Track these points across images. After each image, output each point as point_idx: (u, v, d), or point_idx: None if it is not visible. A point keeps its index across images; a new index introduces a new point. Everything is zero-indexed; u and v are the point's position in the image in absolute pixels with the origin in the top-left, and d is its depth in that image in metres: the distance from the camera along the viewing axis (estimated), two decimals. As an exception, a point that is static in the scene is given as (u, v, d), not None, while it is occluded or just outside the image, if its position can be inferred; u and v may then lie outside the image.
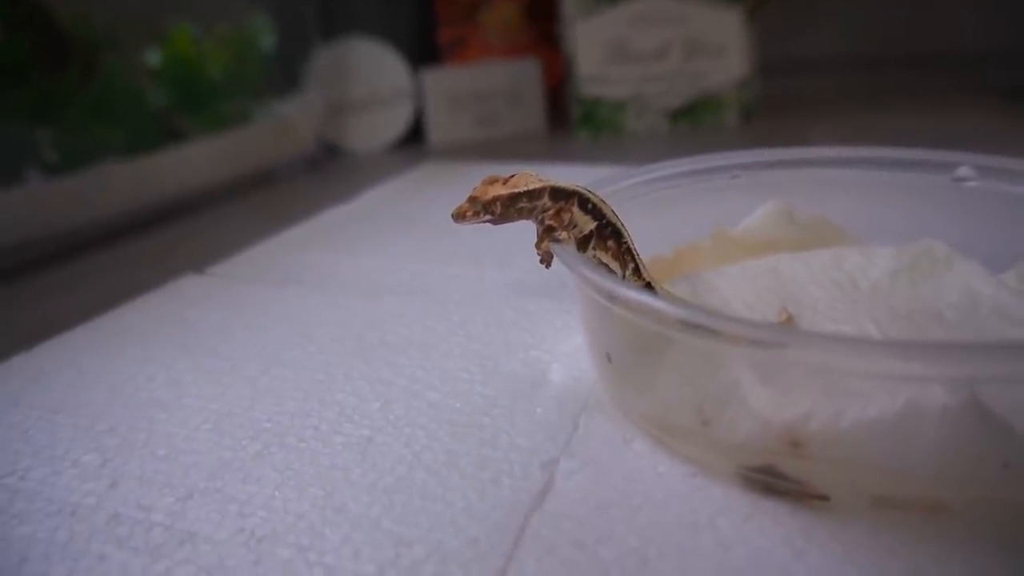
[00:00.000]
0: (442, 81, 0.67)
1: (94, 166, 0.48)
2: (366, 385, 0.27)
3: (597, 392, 0.25)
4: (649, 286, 0.25)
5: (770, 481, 0.20)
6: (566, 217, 0.24)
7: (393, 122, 0.68)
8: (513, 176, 0.24)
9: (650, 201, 0.30)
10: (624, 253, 0.25)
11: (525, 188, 0.23)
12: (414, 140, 0.69)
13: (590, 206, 0.24)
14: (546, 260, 0.25)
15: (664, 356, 0.22)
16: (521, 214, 0.24)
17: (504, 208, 0.23)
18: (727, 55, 0.65)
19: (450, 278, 0.36)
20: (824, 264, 0.30)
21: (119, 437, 0.25)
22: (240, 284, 0.37)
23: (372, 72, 0.67)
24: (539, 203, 0.24)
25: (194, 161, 0.54)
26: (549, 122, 0.72)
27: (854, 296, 0.28)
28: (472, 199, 0.24)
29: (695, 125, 0.67)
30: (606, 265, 0.24)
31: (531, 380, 0.26)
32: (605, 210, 0.24)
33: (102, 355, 0.30)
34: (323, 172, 0.64)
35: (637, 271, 0.25)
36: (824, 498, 0.20)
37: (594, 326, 0.25)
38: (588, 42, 0.66)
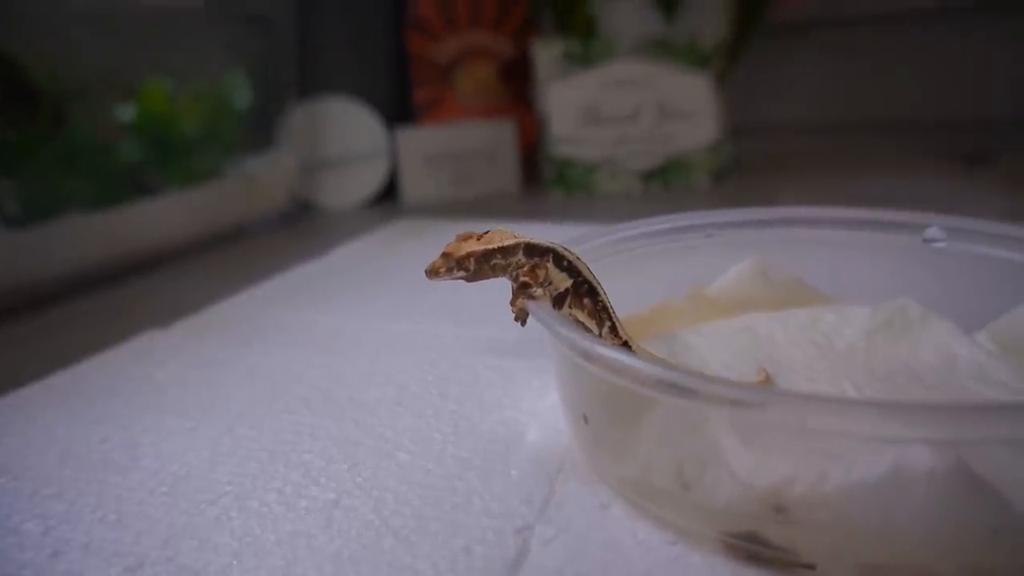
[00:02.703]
0: (417, 140, 0.68)
1: (58, 219, 0.47)
2: (334, 446, 0.26)
3: (573, 454, 0.25)
4: (626, 345, 0.24)
5: (754, 548, 0.19)
6: (541, 274, 0.23)
7: (367, 180, 0.68)
8: (487, 232, 0.24)
9: (625, 259, 0.30)
10: (600, 311, 0.24)
11: (499, 244, 0.23)
12: (388, 199, 0.69)
13: (565, 263, 0.24)
14: (521, 318, 0.24)
15: (642, 417, 0.21)
16: (495, 271, 0.23)
17: (478, 264, 0.23)
18: (698, 119, 0.67)
19: (424, 336, 0.35)
20: (800, 324, 0.30)
21: (66, 502, 0.23)
22: (206, 341, 0.36)
23: (347, 130, 0.67)
24: (513, 260, 0.23)
25: (163, 215, 0.53)
26: (523, 182, 0.72)
27: (831, 356, 0.28)
28: (445, 255, 0.23)
29: (667, 186, 0.68)
30: (582, 323, 0.24)
31: (506, 441, 0.26)
32: (581, 267, 0.24)
33: (55, 414, 0.29)
34: (295, 229, 0.64)
35: (614, 329, 0.24)
36: (810, 567, 0.19)
37: (569, 386, 0.24)
38: (561, 104, 0.67)
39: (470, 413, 0.28)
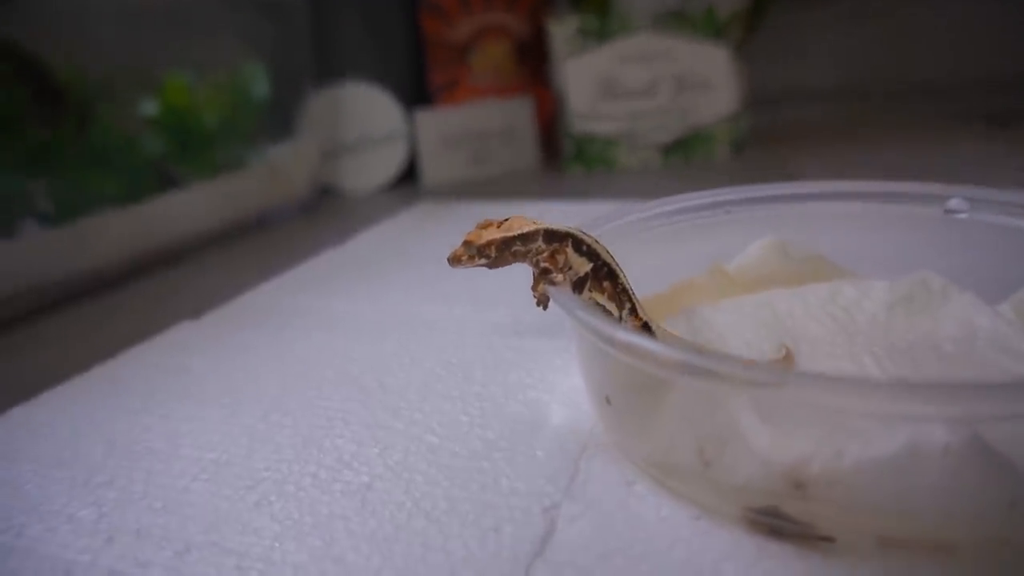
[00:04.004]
0: (435, 121, 0.68)
1: (88, 216, 0.48)
2: (365, 430, 0.27)
3: (597, 434, 0.25)
4: (646, 326, 0.25)
5: (775, 523, 0.20)
6: (561, 259, 0.24)
7: (387, 163, 0.69)
8: (507, 219, 0.24)
9: (644, 239, 0.30)
10: (620, 293, 0.25)
11: (519, 231, 0.24)
12: (408, 180, 0.70)
13: (584, 248, 0.24)
14: (542, 302, 0.25)
15: (663, 397, 0.22)
16: (516, 257, 0.24)
17: (499, 252, 0.24)
18: (716, 90, 0.66)
19: (448, 319, 0.36)
20: (820, 299, 0.30)
21: (116, 490, 0.24)
22: (237, 330, 0.37)
23: (366, 114, 0.68)
24: (533, 246, 0.24)
25: (189, 208, 0.54)
26: (542, 159, 0.72)
27: (851, 330, 0.28)
28: (467, 243, 0.24)
29: (687, 159, 0.68)
30: (602, 306, 0.24)
31: (531, 422, 0.26)
32: (600, 251, 0.24)
33: (99, 406, 0.30)
34: (318, 215, 0.64)
35: (634, 311, 0.25)
36: (830, 540, 0.19)
37: (592, 369, 0.25)
38: (578, 80, 0.67)
39: (495, 395, 0.28)
